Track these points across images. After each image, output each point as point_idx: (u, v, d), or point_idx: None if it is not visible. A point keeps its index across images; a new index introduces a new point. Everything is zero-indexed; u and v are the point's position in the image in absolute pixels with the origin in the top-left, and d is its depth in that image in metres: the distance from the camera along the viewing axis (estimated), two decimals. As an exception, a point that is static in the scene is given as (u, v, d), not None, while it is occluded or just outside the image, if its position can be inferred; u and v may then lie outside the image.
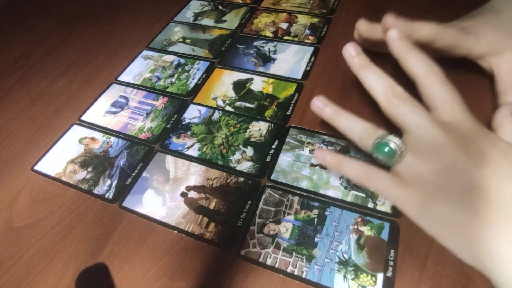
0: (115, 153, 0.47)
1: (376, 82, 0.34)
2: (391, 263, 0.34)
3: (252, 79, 0.54)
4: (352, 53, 0.36)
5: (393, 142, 0.32)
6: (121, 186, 0.43)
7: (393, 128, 0.43)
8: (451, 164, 0.29)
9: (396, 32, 0.35)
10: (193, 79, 0.55)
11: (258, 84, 0.53)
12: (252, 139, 0.46)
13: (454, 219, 0.29)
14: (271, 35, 0.61)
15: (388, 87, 0.33)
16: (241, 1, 0.70)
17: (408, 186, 0.31)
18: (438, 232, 0.30)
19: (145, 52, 0.61)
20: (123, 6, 0.74)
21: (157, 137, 0.48)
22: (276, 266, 0.35)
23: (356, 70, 0.36)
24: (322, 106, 0.37)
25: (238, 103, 0.51)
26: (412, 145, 0.32)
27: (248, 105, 0.50)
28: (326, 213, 0.38)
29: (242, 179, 0.42)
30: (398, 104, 0.32)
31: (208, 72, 0.56)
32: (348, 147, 0.43)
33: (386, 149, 0.32)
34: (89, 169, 0.45)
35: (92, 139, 0.49)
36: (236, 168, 0.43)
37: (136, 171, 0.44)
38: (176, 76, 0.56)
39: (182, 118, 0.50)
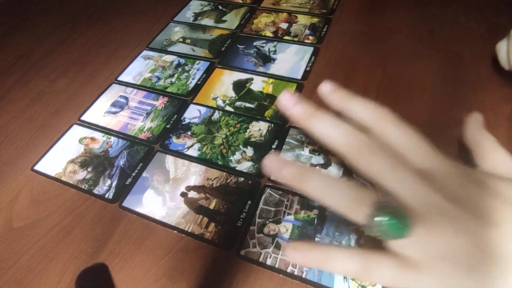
0: (115, 153, 0.47)
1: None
2: (391, 263, 0.34)
3: (252, 79, 0.54)
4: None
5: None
6: (121, 186, 0.43)
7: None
8: (464, 231, 0.23)
9: (328, 85, 0.30)
10: (193, 79, 0.55)
11: (258, 84, 0.53)
12: (252, 139, 0.46)
13: None
14: (271, 35, 0.61)
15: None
16: (241, 1, 0.70)
17: (421, 270, 0.23)
18: None
19: (145, 52, 0.61)
20: (123, 6, 0.74)
21: (157, 137, 0.48)
22: (276, 266, 0.35)
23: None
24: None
25: (238, 103, 0.51)
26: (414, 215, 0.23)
27: (248, 105, 0.50)
28: (326, 213, 0.38)
29: (242, 179, 0.42)
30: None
31: (208, 72, 0.56)
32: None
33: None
34: (89, 169, 0.45)
35: (92, 139, 0.49)
36: (236, 168, 0.43)
37: (136, 171, 0.44)
38: (176, 76, 0.56)
39: (182, 118, 0.50)
